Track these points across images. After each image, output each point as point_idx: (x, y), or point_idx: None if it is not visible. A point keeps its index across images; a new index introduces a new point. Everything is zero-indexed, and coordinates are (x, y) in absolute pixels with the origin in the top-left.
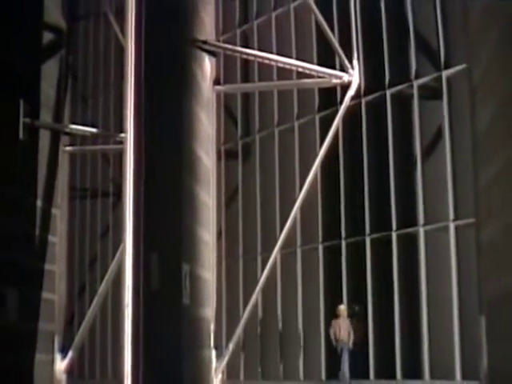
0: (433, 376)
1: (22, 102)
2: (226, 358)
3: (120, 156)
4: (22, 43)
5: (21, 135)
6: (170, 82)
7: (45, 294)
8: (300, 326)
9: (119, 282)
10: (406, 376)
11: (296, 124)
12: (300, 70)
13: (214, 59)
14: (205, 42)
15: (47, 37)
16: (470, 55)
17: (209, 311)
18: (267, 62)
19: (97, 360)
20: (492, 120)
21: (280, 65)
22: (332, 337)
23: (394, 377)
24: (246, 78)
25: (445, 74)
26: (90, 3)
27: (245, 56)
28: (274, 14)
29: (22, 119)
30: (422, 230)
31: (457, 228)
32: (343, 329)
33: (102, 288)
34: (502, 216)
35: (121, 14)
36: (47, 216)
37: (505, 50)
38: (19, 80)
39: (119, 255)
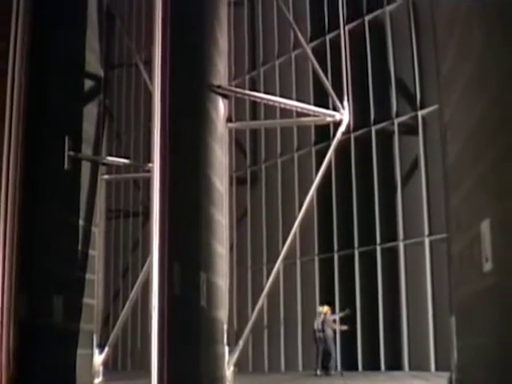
0: (411, 367)
1: (66, 138)
2: (237, 353)
3: (148, 182)
4: (67, 89)
5: (66, 166)
6: (189, 121)
7: (85, 299)
8: (299, 326)
9: (147, 289)
10: (388, 367)
11: (296, 155)
12: (299, 109)
13: (226, 101)
14: (219, 87)
15: (88, 83)
16: (441, 98)
17: (222, 313)
18: (271, 103)
19: (128, 354)
20: (460, 153)
21: (282, 105)
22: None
23: (378, 368)
24: (254, 117)
25: (420, 113)
26: (123, 55)
27: (252, 98)
28: (277, 62)
29: (66, 152)
30: (401, 244)
31: (431, 242)
32: (328, 325)
33: (132, 293)
34: (468, 232)
35: (149, 64)
36: (88, 233)
37: (471, 95)
38: (65, 120)
39: (147, 266)
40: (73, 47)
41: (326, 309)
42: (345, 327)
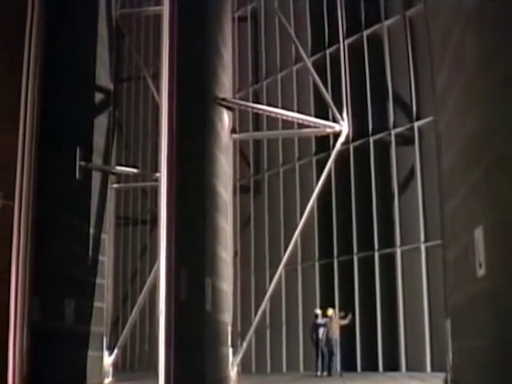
0: (408, 368)
1: (78, 149)
2: (241, 354)
3: (156, 191)
4: (79, 102)
5: (77, 175)
6: (195, 132)
7: (96, 303)
8: (300, 328)
9: (155, 293)
10: (386, 368)
11: (297, 165)
12: (300, 121)
13: (231, 113)
14: (224, 99)
15: (99, 96)
16: (436, 110)
17: (227, 316)
18: (274, 115)
19: (136, 356)
20: (453, 163)
21: (284, 117)
22: (320, 336)
23: (376, 369)
24: (257, 128)
25: (416, 124)
26: (132, 69)
27: (256, 110)
28: (279, 76)
29: (78, 163)
30: (398, 250)
31: (427, 248)
32: (334, 328)
33: (141, 298)
34: (462, 239)
35: (156, 78)
36: (98, 240)
37: (464, 107)
38: (76, 131)
39: (155, 271)
40: (84, 62)
41: (331, 312)
42: (346, 321)
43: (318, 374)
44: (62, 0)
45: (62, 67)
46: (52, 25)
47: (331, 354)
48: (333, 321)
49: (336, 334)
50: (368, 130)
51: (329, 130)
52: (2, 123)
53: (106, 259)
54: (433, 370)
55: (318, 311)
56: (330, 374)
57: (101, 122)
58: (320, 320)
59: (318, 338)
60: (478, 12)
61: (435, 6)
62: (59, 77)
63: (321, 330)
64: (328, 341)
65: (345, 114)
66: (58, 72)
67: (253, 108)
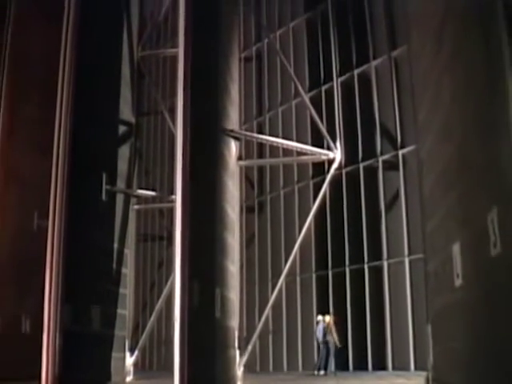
0: (394, 368)
1: (104, 175)
2: (246, 356)
3: (171, 211)
4: (104, 134)
5: (103, 197)
6: (206, 159)
7: (119, 310)
8: (299, 332)
9: (170, 302)
10: (375, 368)
11: (296, 187)
12: (298, 149)
13: (237, 142)
14: (231, 131)
15: (122, 129)
16: (418, 139)
17: (234, 322)
18: (275, 144)
19: (154, 357)
20: (433, 186)
21: (284, 146)
22: (320, 339)
23: (366, 369)
24: (260, 155)
25: (401, 152)
26: (151, 105)
27: (259, 140)
28: (280, 109)
29: (104, 186)
30: (385, 263)
31: (410, 261)
32: (332, 331)
33: (158, 305)
34: (441, 253)
35: (172, 112)
36: (121, 254)
37: (441, 139)
38: (102, 159)
39: (170, 282)
40: (110, 100)
41: (328, 318)
42: (336, 338)
43: (315, 372)
44: (91, 47)
45: (91, 104)
46: (82, 68)
47: (328, 355)
48: (330, 326)
49: (330, 338)
50: (358, 157)
51: (324, 157)
52: (40, 151)
53: (128, 271)
54: (416, 369)
55: (320, 317)
56: (326, 373)
57: (124, 151)
58: (321, 325)
59: (318, 341)
60: (452, 58)
61: (417, 50)
62: (88, 112)
63: (320, 334)
64: (326, 343)
65: (338, 143)
66: (87, 108)
67: (257, 138)
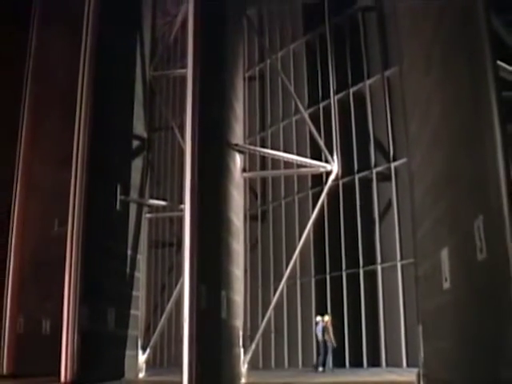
0: (388, 364)
1: (118, 185)
2: (250, 354)
3: (180, 220)
4: (119, 148)
5: (117, 207)
6: (213, 171)
7: (132, 311)
8: (299, 331)
9: (180, 303)
10: (370, 364)
11: (296, 197)
12: (298, 162)
13: (242, 156)
14: (236, 145)
15: (135, 143)
16: (408, 153)
17: (238, 322)
18: (277, 157)
19: (165, 354)
20: (423, 196)
21: (285, 159)
22: (320, 337)
23: (361, 365)
24: (263, 168)
25: (393, 164)
26: (162, 121)
27: (262, 153)
28: (281, 124)
29: (118, 196)
30: (379, 267)
31: (402, 266)
32: (329, 331)
33: (168, 307)
34: (430, 258)
35: (182, 128)
36: (134, 259)
37: (430, 152)
38: (117, 171)
39: (179, 285)
40: (124, 117)
41: (327, 318)
42: (332, 338)
43: (318, 368)
44: (108, 67)
45: (107, 120)
46: (99, 86)
47: (326, 352)
48: (328, 326)
49: (331, 336)
50: (354, 169)
51: (322, 169)
52: (60, 164)
53: (141, 275)
54: (408, 365)
55: (319, 318)
56: (324, 370)
57: (137, 164)
58: (320, 325)
59: (317, 340)
60: (440, 78)
61: (408, 70)
62: (105, 128)
63: (319, 334)
64: (324, 342)
65: (335, 156)
66: (103, 124)
67: (260, 151)
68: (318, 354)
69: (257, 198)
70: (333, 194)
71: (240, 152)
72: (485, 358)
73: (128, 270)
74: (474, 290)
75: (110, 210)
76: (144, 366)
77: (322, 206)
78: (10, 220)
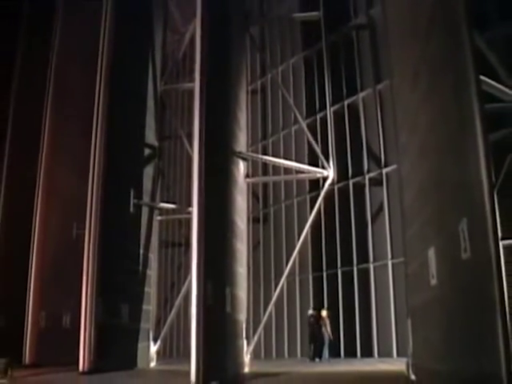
0: (379, 354)
1: (132, 190)
2: (253, 345)
3: (189, 222)
4: (132, 156)
5: (131, 210)
6: (219, 177)
7: (144, 306)
8: (298, 324)
9: (188, 299)
10: (363, 355)
11: (295, 201)
12: (297, 168)
13: (245, 162)
14: (240, 152)
15: (147, 151)
16: (399, 160)
17: (242, 316)
18: (277, 163)
19: (174, 346)
20: (412, 200)
21: (285, 165)
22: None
23: (355, 355)
24: (265, 173)
25: (384, 170)
26: (171, 130)
27: (264, 160)
28: (281, 134)
29: (132, 200)
30: (372, 265)
31: (393, 264)
32: (326, 324)
33: (177, 302)
34: (419, 257)
35: (190, 137)
36: (146, 258)
37: (418, 160)
38: (130, 177)
39: (188, 282)
40: (137, 127)
41: (324, 313)
42: (329, 328)
43: (315, 359)
44: (122, 83)
45: (121, 131)
46: (114, 100)
47: (322, 344)
48: (325, 320)
49: (328, 329)
50: (348, 175)
51: (319, 175)
52: (78, 172)
53: (152, 273)
54: (398, 355)
55: (311, 311)
56: (320, 359)
57: (148, 170)
58: (313, 318)
59: (312, 332)
60: (428, 91)
61: (398, 84)
62: (119, 138)
63: (314, 326)
64: (322, 334)
65: (331, 163)
66: (118, 134)
67: (261, 158)
68: (310, 344)
69: (259, 202)
70: (329, 197)
71: (243, 159)
72: (468, 348)
73: (140, 268)
74: (459, 286)
75: (124, 213)
76: (155, 356)
77: (319, 208)
78: (32, 223)
